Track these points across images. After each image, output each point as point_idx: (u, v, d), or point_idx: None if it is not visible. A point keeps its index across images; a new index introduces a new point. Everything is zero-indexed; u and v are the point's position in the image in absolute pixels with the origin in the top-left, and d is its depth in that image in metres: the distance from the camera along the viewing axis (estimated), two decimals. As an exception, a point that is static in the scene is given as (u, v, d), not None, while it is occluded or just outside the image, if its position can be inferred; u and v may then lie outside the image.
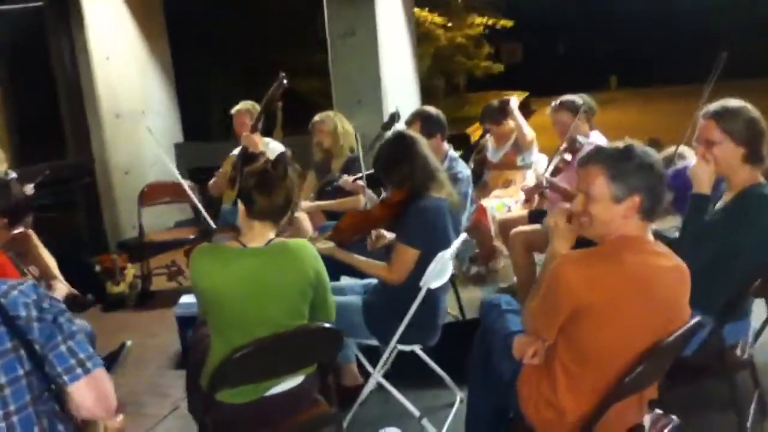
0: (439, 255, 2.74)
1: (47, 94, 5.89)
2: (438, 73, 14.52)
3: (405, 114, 4.36)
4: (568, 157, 4.02)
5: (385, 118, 5.15)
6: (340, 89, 5.38)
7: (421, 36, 10.79)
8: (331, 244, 2.93)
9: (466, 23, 14.67)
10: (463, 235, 3.03)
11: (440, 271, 2.78)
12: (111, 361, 3.42)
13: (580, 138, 4.05)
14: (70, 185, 5.99)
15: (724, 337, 2.54)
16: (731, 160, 2.49)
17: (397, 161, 2.89)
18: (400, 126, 4.09)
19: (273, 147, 4.80)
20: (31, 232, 4.28)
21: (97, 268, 5.04)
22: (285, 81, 4.40)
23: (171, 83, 6.76)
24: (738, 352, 2.62)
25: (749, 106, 2.54)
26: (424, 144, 2.96)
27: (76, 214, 6.24)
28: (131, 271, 5.02)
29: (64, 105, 5.89)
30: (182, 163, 6.77)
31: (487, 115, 4.94)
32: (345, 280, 3.32)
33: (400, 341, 2.85)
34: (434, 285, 2.80)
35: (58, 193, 6.15)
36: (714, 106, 2.55)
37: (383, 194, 3.68)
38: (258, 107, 4.66)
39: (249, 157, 4.65)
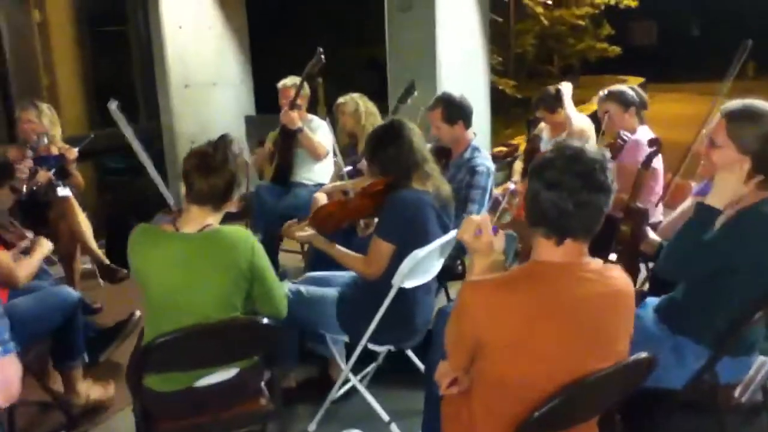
0: (413, 253, 2.56)
1: (124, 60, 6.11)
2: (545, 54, 13.91)
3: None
4: (606, 153, 3.66)
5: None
6: (394, 65, 5.20)
7: (522, 14, 10.37)
8: (311, 231, 2.81)
9: (579, 2, 13.93)
10: (453, 233, 2.81)
11: (415, 270, 2.61)
12: (118, 330, 3.50)
13: (623, 134, 3.69)
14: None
15: (717, 373, 2.22)
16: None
17: (383, 147, 2.74)
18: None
19: (316, 124, 4.73)
20: (72, 198, 4.45)
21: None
22: (323, 57, 4.32)
23: (246, 55, 6.82)
24: (737, 392, 2.28)
25: None
26: (415, 134, 2.78)
27: (144, 180, 6.46)
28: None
29: (137, 72, 6.09)
30: (252, 136, 6.86)
31: (540, 102, 4.61)
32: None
33: (372, 341, 2.71)
34: (408, 285, 2.64)
35: (128, 158, 6.41)
36: (732, 104, 2.19)
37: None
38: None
39: (288, 133, 4.63)
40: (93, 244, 4.32)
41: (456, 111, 3.53)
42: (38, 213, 4.38)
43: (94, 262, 4.46)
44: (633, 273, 2.48)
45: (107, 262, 4.36)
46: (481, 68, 5.79)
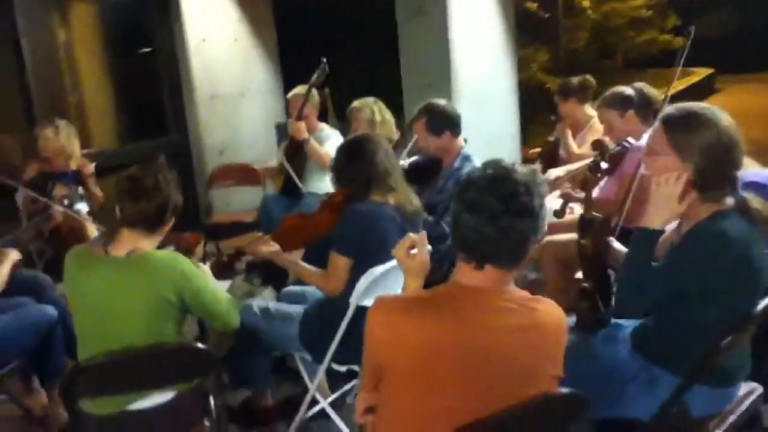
0: (370, 270, 2.45)
1: (151, 74, 6.21)
2: (603, 49, 13.41)
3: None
4: (604, 164, 3.43)
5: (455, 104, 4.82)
6: (408, 73, 5.05)
7: (573, 9, 10.02)
8: (276, 247, 2.73)
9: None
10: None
11: (375, 286, 2.50)
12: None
13: (625, 140, 3.44)
14: (170, 163, 6.28)
15: (687, 404, 2.01)
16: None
17: (349, 160, 2.69)
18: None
19: (326, 134, 4.67)
20: (83, 217, 4.46)
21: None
22: (327, 68, 4.25)
23: (275, 64, 6.82)
24: (711, 425, 2.05)
25: (723, 118, 1.94)
26: (380, 147, 2.69)
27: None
28: (199, 250, 5.14)
29: (164, 86, 6.18)
30: (282, 142, 6.81)
31: (559, 89, 4.42)
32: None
33: (335, 360, 2.61)
34: (368, 302, 2.51)
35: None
36: (671, 109, 2.01)
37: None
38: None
39: (296, 143, 4.59)
40: None
41: (441, 121, 3.39)
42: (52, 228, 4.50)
43: None
44: (604, 289, 2.28)
45: None
46: (507, 69, 5.56)
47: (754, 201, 1.97)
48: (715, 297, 1.91)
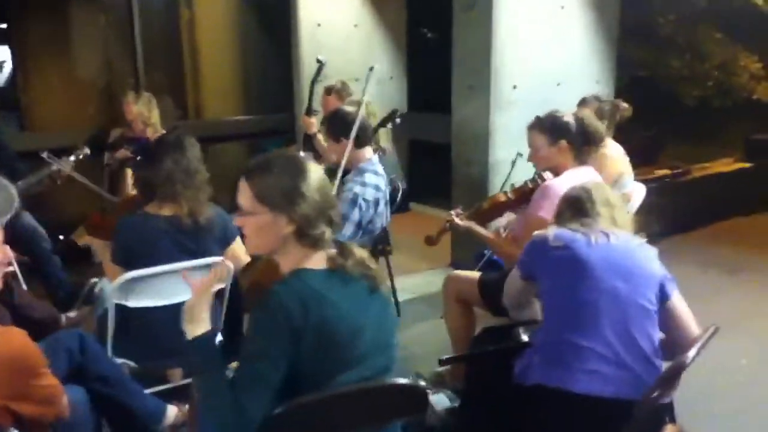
0: (125, 275, 2.49)
1: (271, 55, 6.61)
2: None
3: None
4: (512, 195, 2.98)
5: (493, 107, 4.46)
6: (457, 71, 4.66)
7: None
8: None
9: None
10: (213, 259, 2.61)
11: (145, 290, 2.56)
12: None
13: (541, 175, 2.95)
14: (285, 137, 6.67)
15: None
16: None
17: (143, 166, 2.72)
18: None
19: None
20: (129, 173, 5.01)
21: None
22: (324, 64, 4.26)
23: (401, 51, 6.79)
24: None
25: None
26: (174, 156, 2.62)
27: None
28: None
29: (282, 65, 6.51)
30: (402, 132, 6.70)
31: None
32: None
33: (115, 353, 2.69)
34: (132, 304, 2.59)
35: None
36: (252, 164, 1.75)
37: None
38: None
39: (308, 138, 4.69)
40: None
41: (338, 127, 3.23)
42: (114, 183, 5.19)
43: None
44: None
45: None
46: (591, 73, 4.88)
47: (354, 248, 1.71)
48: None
